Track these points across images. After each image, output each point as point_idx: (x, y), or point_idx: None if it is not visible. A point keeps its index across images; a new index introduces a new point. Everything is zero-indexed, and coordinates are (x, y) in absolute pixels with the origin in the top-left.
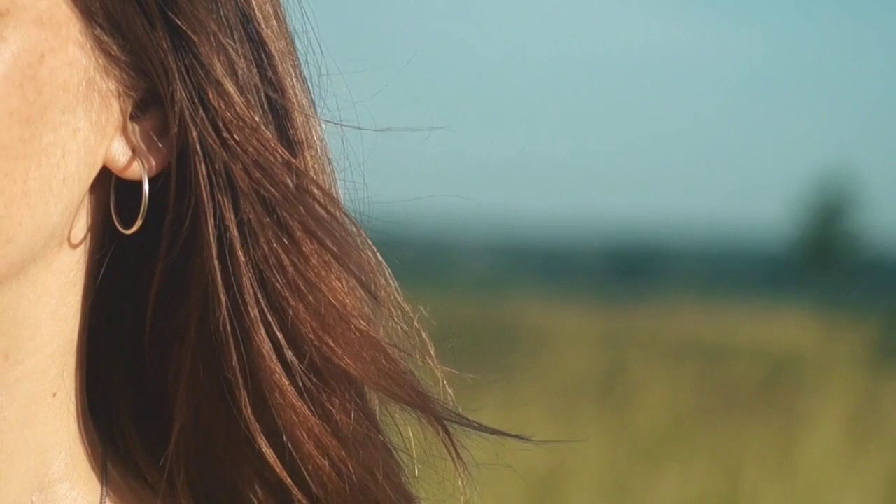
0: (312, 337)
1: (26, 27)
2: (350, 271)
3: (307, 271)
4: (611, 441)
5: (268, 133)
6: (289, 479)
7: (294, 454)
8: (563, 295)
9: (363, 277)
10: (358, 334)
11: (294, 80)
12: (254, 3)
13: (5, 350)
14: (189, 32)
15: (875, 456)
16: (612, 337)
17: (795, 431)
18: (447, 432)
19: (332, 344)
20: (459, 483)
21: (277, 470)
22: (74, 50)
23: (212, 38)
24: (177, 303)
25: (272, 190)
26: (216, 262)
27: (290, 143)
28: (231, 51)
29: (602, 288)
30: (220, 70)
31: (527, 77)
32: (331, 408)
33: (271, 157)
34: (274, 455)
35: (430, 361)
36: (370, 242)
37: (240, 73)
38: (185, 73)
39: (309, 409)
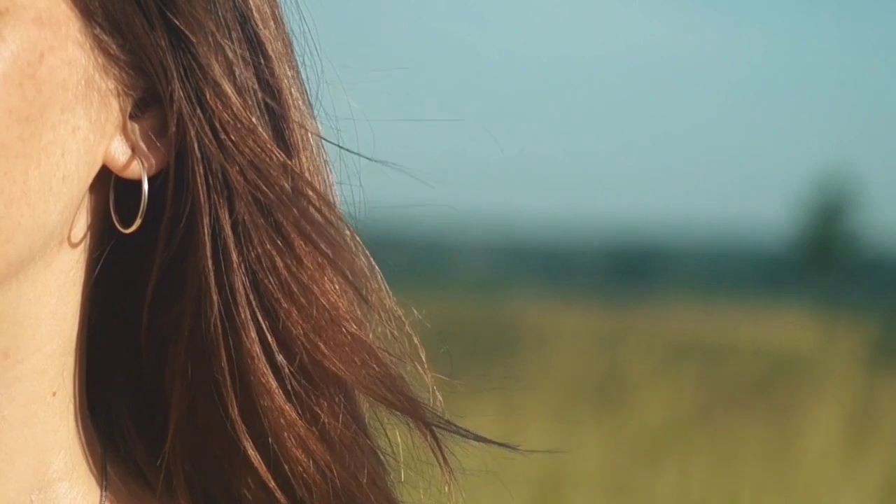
0: (303, 339)
1: (25, 26)
2: (343, 275)
3: (300, 274)
4: (610, 441)
5: (264, 135)
6: (272, 483)
7: (279, 457)
8: (563, 295)
9: (355, 281)
10: (349, 338)
11: (291, 81)
12: (252, 3)
13: (5, 349)
14: (187, 32)
15: (874, 456)
16: (612, 337)
17: (795, 431)
18: (435, 438)
19: (322, 347)
20: (446, 489)
21: (261, 472)
22: (74, 49)
23: (210, 39)
24: (172, 301)
25: (267, 191)
26: (210, 262)
27: (286, 144)
28: (229, 51)
29: (602, 288)
30: (217, 70)
31: (527, 77)
32: (319, 411)
33: (267, 159)
34: (258, 457)
35: (419, 367)
36: (363, 247)
37: (237, 73)
38: (183, 73)
39: (296, 412)
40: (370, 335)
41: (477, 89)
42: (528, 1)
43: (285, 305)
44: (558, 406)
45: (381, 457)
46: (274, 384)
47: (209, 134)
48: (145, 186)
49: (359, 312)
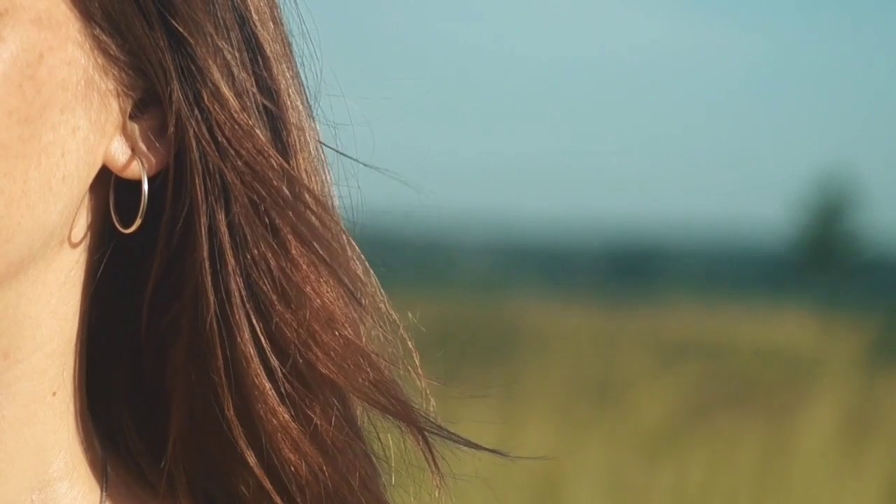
0: (297, 342)
1: (25, 27)
2: (338, 278)
3: (295, 276)
4: (610, 440)
5: (261, 137)
6: (268, 483)
7: (273, 458)
8: (563, 295)
9: (350, 285)
10: (343, 341)
11: (290, 82)
12: (251, 4)
13: (5, 349)
14: (185, 34)
15: (873, 456)
16: (612, 337)
17: (794, 431)
18: (427, 443)
19: (316, 350)
20: (436, 493)
21: (257, 473)
22: (73, 49)
23: (208, 40)
24: (170, 301)
25: (262, 194)
26: (206, 263)
27: (284, 146)
28: (227, 53)
29: (602, 288)
30: (215, 72)
31: (527, 77)
32: (312, 414)
33: (264, 161)
34: (254, 458)
35: (413, 372)
36: (358, 251)
37: (235, 75)
38: (181, 74)
39: (289, 414)
40: (364, 339)
41: (477, 89)
42: (529, 1)
43: (279, 308)
44: (558, 406)
45: (374, 460)
46: (268, 386)
47: (206, 135)
48: (145, 186)
49: (354, 316)
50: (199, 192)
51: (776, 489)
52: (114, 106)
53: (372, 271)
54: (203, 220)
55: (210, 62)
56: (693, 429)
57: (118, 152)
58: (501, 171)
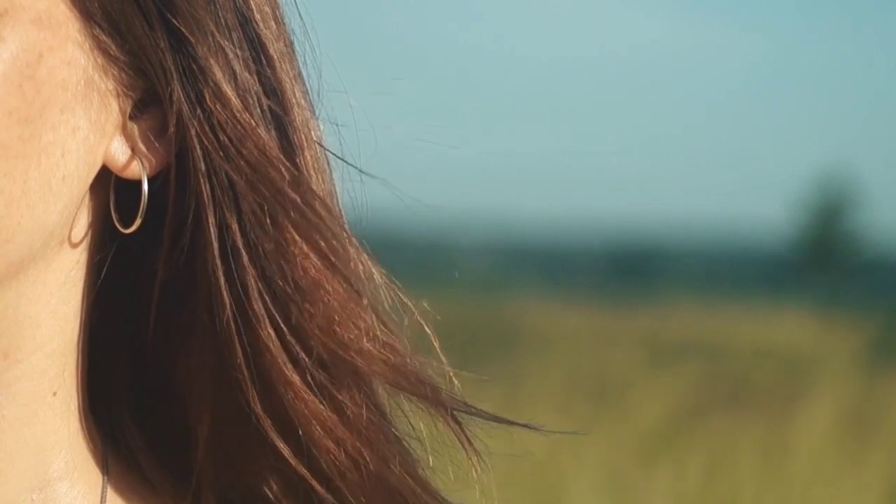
0: (318, 332)
1: (25, 27)
2: (343, 276)
3: (308, 268)
4: (610, 440)
5: (264, 135)
6: (307, 472)
7: (310, 447)
8: (563, 295)
9: (355, 281)
10: (363, 327)
11: (293, 81)
12: (253, 4)
13: (5, 349)
14: (187, 33)
15: (873, 456)
16: (612, 337)
17: (794, 431)
18: (457, 422)
19: (337, 338)
20: (473, 472)
21: (293, 463)
22: (73, 49)
23: (210, 39)
24: (183, 301)
25: (266, 193)
26: (219, 261)
27: (290, 144)
28: (229, 52)
29: (602, 288)
30: (217, 71)
31: (527, 77)
32: (342, 399)
33: (266, 161)
34: (288, 449)
35: (436, 353)
36: (361, 247)
37: (238, 74)
38: (182, 74)
39: (320, 401)
40: (383, 324)
41: (477, 89)
42: (529, 1)
43: (297, 299)
44: (558, 405)
45: (407, 444)
46: (295, 376)
47: (209, 135)
48: (145, 187)
49: (371, 303)
50: (204, 191)
51: (776, 489)
52: (114, 106)
53: (378, 264)
54: (212, 219)
55: (212, 61)
56: (693, 428)
57: (118, 152)
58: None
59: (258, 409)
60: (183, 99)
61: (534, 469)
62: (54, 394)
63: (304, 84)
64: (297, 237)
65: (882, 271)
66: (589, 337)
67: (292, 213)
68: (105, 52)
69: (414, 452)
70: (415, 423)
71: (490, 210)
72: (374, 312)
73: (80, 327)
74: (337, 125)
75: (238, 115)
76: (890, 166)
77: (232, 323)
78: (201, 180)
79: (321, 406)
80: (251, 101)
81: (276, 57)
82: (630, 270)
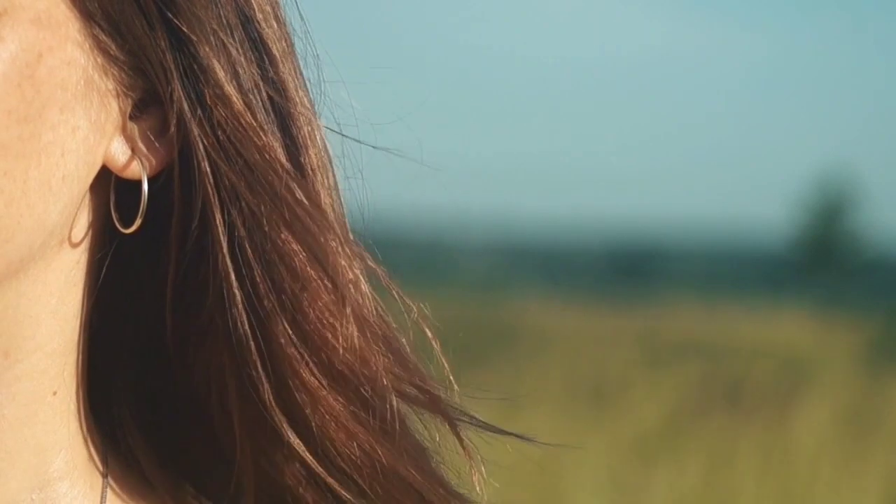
0: (325, 329)
1: (24, 27)
2: (332, 280)
3: (303, 269)
4: (610, 440)
5: (266, 134)
6: (320, 468)
7: (324, 441)
8: (563, 295)
9: (342, 286)
10: (349, 330)
11: (295, 81)
12: (254, 3)
13: (5, 348)
14: (188, 32)
15: (873, 456)
16: (612, 337)
17: (794, 431)
18: (455, 429)
19: (337, 341)
20: (475, 480)
21: (308, 458)
22: (73, 49)
23: (211, 38)
24: (195, 302)
25: (264, 193)
26: (229, 261)
27: (293, 143)
28: (232, 50)
29: (602, 288)
30: (219, 70)
31: (527, 77)
32: (353, 396)
33: (266, 160)
34: (302, 445)
35: (436, 355)
36: (363, 246)
37: (240, 73)
38: (183, 74)
39: (332, 397)
40: (386, 328)
41: (477, 89)
42: (529, 1)
43: (299, 297)
44: (558, 405)
45: (420, 441)
46: (307, 372)
47: (210, 134)
48: (145, 187)
49: (373, 305)
50: (210, 190)
51: (775, 489)
52: (113, 106)
53: (378, 264)
54: (219, 218)
55: (213, 61)
56: (692, 428)
57: (118, 152)
58: (501, 171)
59: (273, 404)
60: (183, 99)
61: (533, 468)
62: (54, 393)
63: (305, 84)
64: (292, 239)
65: (882, 271)
66: (589, 337)
67: (287, 215)
68: (105, 51)
69: (428, 448)
70: (415, 426)
71: (490, 210)
72: (372, 314)
73: (81, 327)
74: (339, 124)
75: (239, 115)
76: (890, 166)
77: (245, 321)
78: (206, 179)
79: (333, 401)
80: (253, 101)
81: (278, 56)
82: (630, 270)
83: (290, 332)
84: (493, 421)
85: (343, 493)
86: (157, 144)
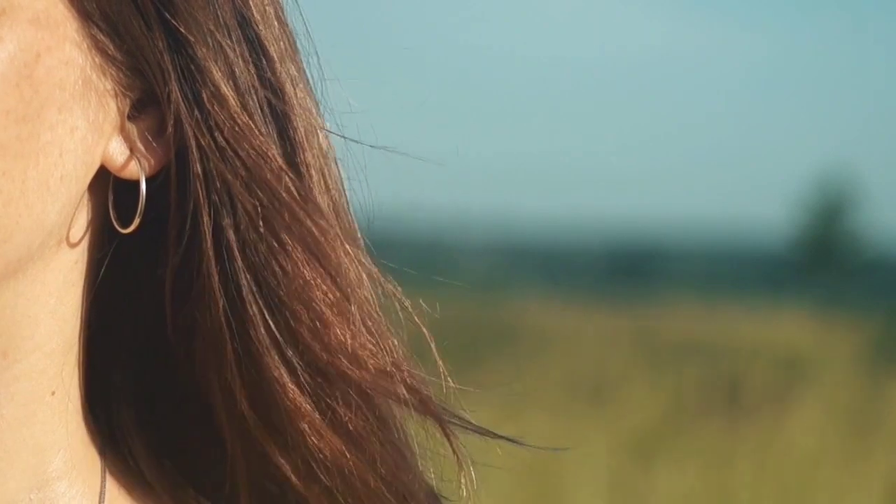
0: (308, 335)
1: (23, 27)
2: (335, 281)
3: (302, 272)
4: (609, 439)
5: (263, 136)
6: (292, 472)
7: (298, 447)
8: (563, 295)
9: (346, 287)
10: (353, 332)
11: (295, 81)
12: (252, 4)
13: (4, 348)
14: (185, 33)
15: (874, 456)
16: (612, 337)
17: (793, 431)
18: (447, 434)
19: (326, 342)
20: (462, 482)
21: (281, 465)
22: (71, 49)
23: (208, 40)
24: (189, 300)
25: (261, 196)
26: (213, 261)
27: (291, 145)
28: (229, 52)
29: (602, 288)
30: (215, 71)
31: (527, 77)
32: (333, 404)
33: (263, 162)
34: (276, 449)
35: (435, 357)
36: (364, 248)
37: (237, 74)
38: (180, 74)
39: (310, 403)
40: (378, 330)
41: (477, 89)
42: (529, 1)
43: (288, 302)
44: (557, 405)
45: (405, 448)
46: (285, 378)
47: (206, 135)
48: (143, 187)
49: (358, 311)
50: (201, 191)
51: (775, 489)
52: (112, 106)
53: (378, 265)
54: (207, 219)
55: (210, 62)
56: (692, 428)
57: (116, 152)
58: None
59: (244, 407)
60: (181, 99)
61: (532, 468)
62: (53, 393)
63: (307, 84)
64: (289, 240)
65: (882, 271)
66: (589, 337)
67: (286, 217)
68: (103, 52)
69: (415, 453)
70: (407, 430)
71: (490, 210)
72: (369, 317)
73: (79, 327)
74: (339, 125)
75: (236, 115)
76: (890, 166)
77: (224, 323)
78: (198, 181)
79: (308, 407)
80: (250, 102)
81: (276, 57)
82: (630, 270)
83: (275, 337)
84: (494, 420)
85: (313, 496)
86: (154, 144)
